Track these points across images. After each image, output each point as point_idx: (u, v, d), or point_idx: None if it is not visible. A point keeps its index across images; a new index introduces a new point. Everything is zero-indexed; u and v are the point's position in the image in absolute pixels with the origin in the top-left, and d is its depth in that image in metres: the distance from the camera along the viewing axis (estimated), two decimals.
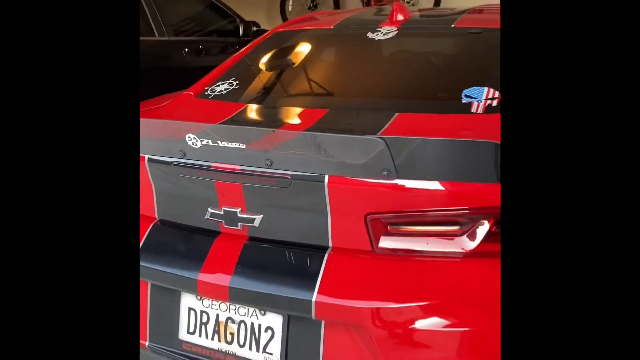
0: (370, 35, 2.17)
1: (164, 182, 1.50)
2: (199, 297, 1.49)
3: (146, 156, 1.48)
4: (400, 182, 1.25)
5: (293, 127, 1.62)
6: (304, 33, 2.41)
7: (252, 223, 1.41)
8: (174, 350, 1.52)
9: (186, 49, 3.99)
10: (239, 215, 1.42)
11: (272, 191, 1.35)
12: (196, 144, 1.36)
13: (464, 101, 1.68)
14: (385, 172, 1.22)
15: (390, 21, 2.29)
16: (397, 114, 1.59)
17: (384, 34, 2.16)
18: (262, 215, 1.40)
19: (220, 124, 1.59)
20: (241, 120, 1.74)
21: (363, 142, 1.23)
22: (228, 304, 1.46)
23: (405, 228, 1.31)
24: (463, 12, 2.40)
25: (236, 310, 1.45)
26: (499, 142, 1.16)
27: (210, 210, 1.45)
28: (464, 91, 1.71)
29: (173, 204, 1.53)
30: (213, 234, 1.47)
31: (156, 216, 1.57)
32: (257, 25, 4.59)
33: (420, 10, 2.50)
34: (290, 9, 6.07)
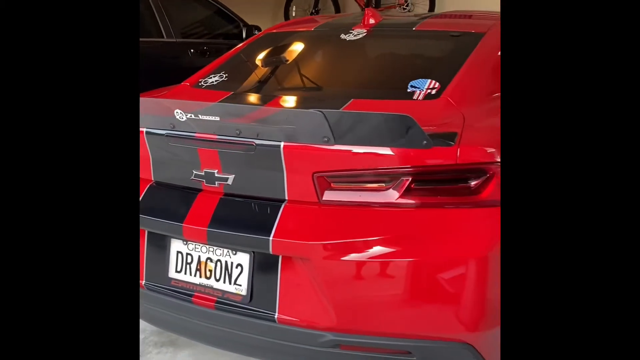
0: (342, 36, 2.55)
1: (158, 150, 1.88)
2: (184, 242, 1.87)
3: (144, 129, 1.86)
4: (337, 147, 1.61)
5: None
6: (288, 34, 2.79)
7: (226, 181, 1.78)
8: (165, 286, 1.89)
9: (191, 50, 4.39)
10: (216, 175, 1.79)
11: (240, 155, 1.72)
12: (182, 118, 1.73)
13: (409, 90, 2.04)
14: (325, 139, 1.58)
15: (363, 24, 2.67)
16: (352, 99, 1.96)
17: (354, 35, 2.54)
18: (234, 175, 1.77)
19: None
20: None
21: (307, 115, 1.59)
22: (207, 246, 1.83)
23: (346, 185, 1.67)
24: (426, 17, 2.76)
25: (213, 251, 1.82)
26: (410, 116, 1.51)
27: (194, 172, 1.83)
28: (410, 82, 2.07)
29: (165, 167, 1.90)
30: (196, 191, 1.85)
31: (152, 178, 1.94)
32: (259, 29, 4.98)
33: (390, 15, 2.86)
34: (294, 14, 6.46)
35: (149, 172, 1.94)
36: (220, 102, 2.09)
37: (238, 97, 2.22)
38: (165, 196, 1.90)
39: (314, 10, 6.35)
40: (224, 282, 1.81)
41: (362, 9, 6.13)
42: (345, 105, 1.94)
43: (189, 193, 1.86)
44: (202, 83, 2.45)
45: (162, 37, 4.19)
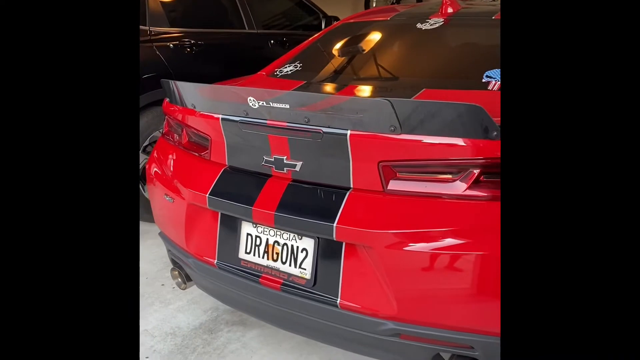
0: (419, 25, 2.53)
1: (232, 136, 1.96)
2: (254, 225, 1.94)
3: (220, 116, 1.95)
4: (404, 136, 1.61)
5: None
6: (364, 24, 2.80)
7: (294, 168, 1.83)
8: (235, 265, 1.97)
9: (272, 41, 4.50)
10: (285, 161, 1.84)
11: (308, 143, 1.76)
12: (255, 105, 1.79)
13: (484, 80, 2.00)
14: (392, 128, 1.59)
15: (440, 13, 2.63)
16: (424, 89, 1.95)
17: (430, 25, 2.51)
18: (301, 162, 1.81)
19: None
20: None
21: (375, 104, 1.60)
22: (275, 229, 1.89)
23: (412, 175, 1.67)
24: None
25: (281, 235, 1.88)
26: (481, 107, 1.49)
27: (264, 157, 1.89)
28: (486, 72, 2.03)
29: (238, 153, 1.98)
30: (266, 176, 1.91)
31: (226, 163, 2.03)
32: (338, 20, 5.01)
33: (470, 4, 2.79)
34: (374, 4, 6.43)
35: (223, 157, 2.03)
36: (296, 90, 2.15)
37: (311, 86, 2.26)
38: (237, 180, 1.98)
39: (394, 2, 6.30)
40: (290, 265, 1.86)
41: None
42: (416, 95, 1.93)
43: (259, 178, 1.92)
44: (277, 72, 2.52)
45: (244, 28, 4.32)
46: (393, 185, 1.69)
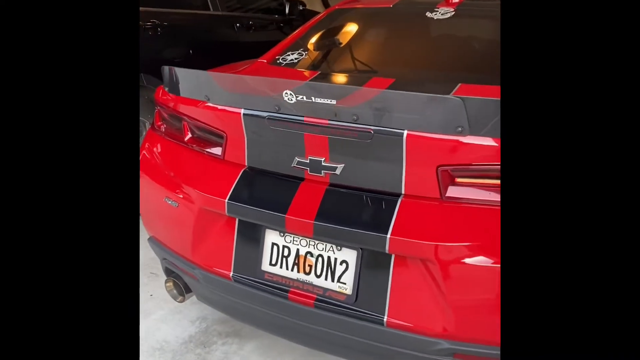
0: (429, 14, 2.38)
1: (256, 134, 1.73)
2: (282, 233, 1.73)
3: (242, 110, 1.71)
4: (469, 138, 1.46)
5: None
6: (366, 11, 2.62)
7: (334, 171, 1.63)
8: (257, 279, 1.75)
9: (237, 25, 4.21)
10: (323, 164, 1.64)
11: (354, 143, 1.57)
12: (291, 99, 1.57)
13: None
14: (459, 129, 1.43)
15: (447, 2, 2.49)
16: (459, 84, 1.81)
17: (442, 14, 2.37)
18: (343, 165, 1.62)
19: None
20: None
21: (441, 101, 1.43)
22: (308, 239, 1.69)
23: (472, 180, 1.52)
24: None
25: (315, 245, 1.68)
26: None
27: (297, 159, 1.68)
28: None
29: (262, 153, 1.75)
30: (298, 179, 1.70)
31: (246, 163, 1.79)
32: (303, 4, 4.79)
33: None
34: None
35: (242, 156, 1.79)
36: (313, 81, 1.93)
37: (327, 78, 2.06)
38: (262, 184, 1.75)
39: None
40: (326, 279, 1.67)
41: None
42: (454, 90, 1.78)
43: (289, 182, 1.71)
44: (280, 60, 2.29)
45: (208, 9, 4.00)
46: (452, 192, 1.54)
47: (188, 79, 1.75)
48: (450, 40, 2.31)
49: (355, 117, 1.53)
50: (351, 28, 2.51)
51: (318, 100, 1.54)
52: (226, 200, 1.74)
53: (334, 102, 1.53)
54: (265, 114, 1.67)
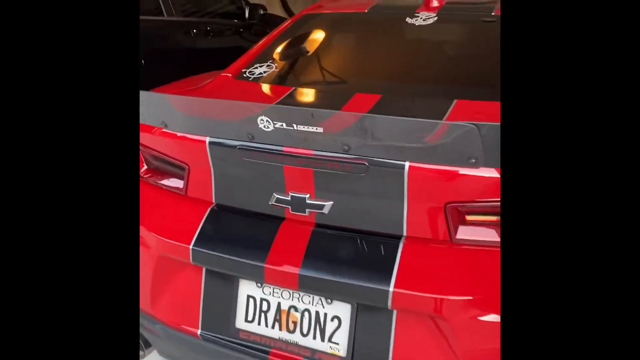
0: (409, 20, 2.14)
1: (225, 166, 1.45)
2: (259, 285, 1.45)
3: (207, 138, 1.42)
4: (482, 170, 1.22)
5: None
6: (339, 16, 2.37)
7: (321, 210, 1.37)
8: (230, 338, 1.47)
9: (194, 31, 3.90)
10: (308, 201, 1.38)
11: (345, 177, 1.32)
12: (268, 127, 1.31)
13: None
14: (473, 160, 1.19)
15: (427, 7, 2.26)
16: (455, 100, 1.57)
17: (423, 20, 2.14)
18: (332, 202, 1.36)
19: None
20: (294, 103, 1.69)
21: (451, 128, 1.19)
22: (292, 292, 1.42)
23: (487, 218, 1.28)
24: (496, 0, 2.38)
25: (300, 298, 1.42)
26: None
27: (275, 195, 1.41)
28: None
29: (233, 188, 1.48)
30: (277, 220, 1.43)
31: (213, 200, 1.51)
32: (264, 8, 4.51)
33: None
34: None
35: (209, 192, 1.50)
36: (287, 98, 1.67)
37: (303, 94, 1.80)
38: (233, 225, 1.47)
39: None
40: (314, 338, 1.40)
41: None
42: (450, 109, 1.55)
43: (266, 222, 1.44)
44: (247, 74, 2.01)
45: (162, 14, 3.68)
46: (464, 233, 1.30)
47: (142, 101, 1.45)
48: (437, 49, 2.08)
49: (346, 147, 1.28)
50: (324, 36, 2.25)
51: (300, 127, 1.28)
52: (190, 247, 1.45)
53: (320, 129, 1.27)
54: (236, 143, 1.39)
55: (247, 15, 4.40)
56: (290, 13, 5.93)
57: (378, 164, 1.27)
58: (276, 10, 5.58)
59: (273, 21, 4.68)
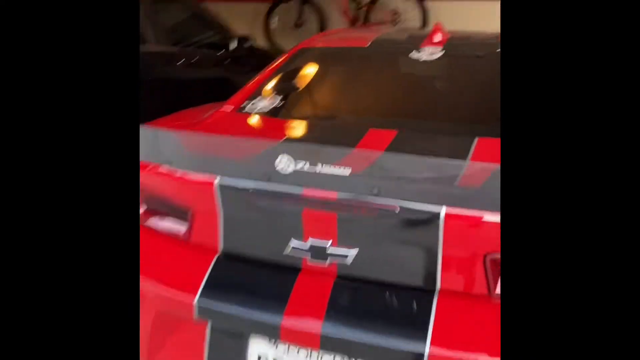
0: (414, 55, 2.06)
1: (236, 209, 1.31)
2: (273, 342, 1.30)
3: (217, 179, 1.29)
4: None
5: (369, 149, 1.46)
6: (340, 50, 2.28)
7: (345, 259, 1.24)
8: None
9: (179, 61, 3.78)
10: (329, 249, 1.24)
11: (373, 223, 1.19)
12: (288, 168, 1.18)
13: None
14: None
15: (430, 41, 2.19)
16: (477, 138, 1.47)
17: (429, 55, 2.06)
18: (356, 250, 1.23)
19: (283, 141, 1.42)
20: (303, 138, 1.58)
21: (495, 172, 1.09)
22: (310, 350, 1.27)
23: None
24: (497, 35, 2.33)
25: (319, 357, 1.27)
26: None
27: (293, 242, 1.27)
28: None
29: (244, 234, 1.33)
30: (293, 270, 1.29)
31: (220, 248, 1.36)
32: (252, 40, 4.43)
33: (453, 32, 2.39)
34: (274, 25, 5.94)
35: (215, 238, 1.36)
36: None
37: (312, 130, 1.68)
38: (243, 276, 1.32)
39: (297, 23, 5.86)
40: None
41: (350, 25, 5.73)
42: (473, 146, 1.44)
43: (281, 273, 1.29)
44: (249, 107, 1.88)
45: (144, 43, 3.55)
46: None
47: (143, 137, 1.31)
48: (448, 84, 1.99)
49: (376, 191, 1.16)
50: (325, 70, 2.15)
51: (326, 169, 1.15)
52: (195, 300, 1.29)
53: (348, 170, 1.15)
54: (249, 185, 1.26)
55: (233, 46, 4.31)
56: (273, 44, 5.87)
57: (410, 210, 1.15)
58: (259, 41, 5.52)
59: (260, 53, 4.61)
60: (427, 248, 1.18)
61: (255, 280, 1.31)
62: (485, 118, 1.73)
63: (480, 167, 1.15)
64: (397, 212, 1.16)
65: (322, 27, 5.77)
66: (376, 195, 1.16)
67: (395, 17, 5.62)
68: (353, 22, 5.78)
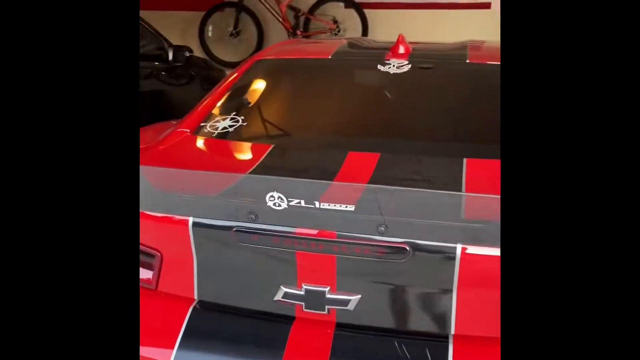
0: (382, 68, 1.94)
1: (214, 252, 1.13)
2: None
3: (191, 219, 1.10)
4: None
5: (354, 178, 1.31)
6: (302, 62, 2.12)
7: (345, 306, 1.09)
8: None
9: None
10: (328, 295, 1.09)
11: (379, 265, 1.05)
12: (280, 205, 1.02)
13: None
14: None
15: (395, 54, 2.08)
16: (465, 159, 1.36)
17: (397, 67, 1.95)
18: (359, 296, 1.08)
19: (251, 172, 1.24)
20: (277, 165, 1.41)
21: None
22: None
23: None
24: (463, 46, 2.26)
25: None
26: None
27: (283, 289, 1.11)
28: None
29: (224, 280, 1.15)
30: (285, 320, 1.12)
31: (195, 296, 1.18)
32: (190, 50, 4.19)
33: (414, 42, 2.30)
34: (210, 34, 5.71)
35: (189, 286, 1.17)
36: (265, 159, 1.38)
37: (287, 153, 1.51)
38: (225, 328, 1.14)
39: (234, 32, 5.65)
40: None
41: (290, 33, 5.60)
42: (464, 171, 1.33)
43: (271, 324, 1.12)
44: (208, 129, 1.69)
45: None
46: None
47: None
48: (422, 99, 1.89)
49: (382, 229, 1.01)
50: (288, 84, 2.00)
51: (325, 205, 1.00)
52: (172, 357, 1.10)
53: (351, 208, 1.00)
54: (231, 224, 1.08)
55: (170, 57, 4.05)
56: (210, 54, 5.63)
57: (423, 248, 1.02)
58: (195, 51, 5.26)
59: (198, 64, 4.38)
60: (441, 289, 1.05)
61: (240, 334, 1.13)
62: (467, 136, 1.63)
63: (483, 199, 1.04)
64: (407, 251, 1.02)
65: (260, 36, 5.60)
66: (382, 234, 1.01)
67: (334, 25, 5.53)
68: (292, 30, 5.64)
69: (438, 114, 1.76)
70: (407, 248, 1.02)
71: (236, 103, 1.87)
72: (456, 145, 1.56)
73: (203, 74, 4.61)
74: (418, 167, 1.41)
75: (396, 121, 1.73)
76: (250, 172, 1.21)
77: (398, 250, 1.03)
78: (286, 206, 1.01)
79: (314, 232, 1.05)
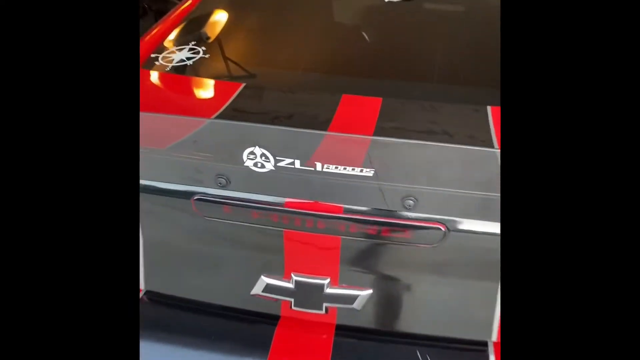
0: None
1: (167, 228, 0.81)
2: None
3: (143, 182, 0.78)
4: None
5: (354, 128, 1.00)
6: None
7: (351, 304, 0.79)
8: None
9: None
10: (327, 290, 0.79)
11: (400, 251, 0.76)
12: (264, 166, 0.70)
13: None
14: None
15: None
16: (488, 107, 1.07)
17: None
18: (369, 291, 0.79)
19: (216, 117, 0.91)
20: (253, 111, 1.07)
21: None
22: None
23: None
24: None
25: None
26: None
27: (265, 280, 0.80)
28: None
29: (181, 266, 0.84)
30: (266, 320, 0.82)
31: (142, 286, 0.86)
32: None
33: None
34: None
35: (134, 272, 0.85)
36: (234, 100, 1.04)
37: (266, 95, 1.18)
38: (181, 329, 0.84)
39: None
40: None
41: None
42: (491, 123, 1.04)
43: (247, 325, 0.82)
44: (161, 61, 1.33)
45: None
46: None
47: None
48: (424, 35, 1.56)
49: (411, 202, 0.71)
50: (260, 9, 1.63)
51: (332, 168, 0.69)
52: None
53: (370, 171, 0.69)
54: (191, 190, 0.76)
55: None
56: None
57: (461, 230, 0.73)
58: None
59: None
60: (482, 285, 0.77)
61: (203, 335, 0.83)
62: (493, 77, 1.32)
63: None
64: (442, 232, 0.73)
65: None
66: (410, 208, 0.71)
67: None
68: None
69: (444, 52, 1.44)
70: (444, 228, 0.73)
71: (196, 30, 1.50)
72: (471, 89, 1.25)
73: (158, 7, 4.14)
74: (433, 114, 1.10)
75: (397, 59, 1.41)
76: (216, 117, 0.88)
77: (430, 230, 0.73)
78: (272, 167, 0.70)
79: (310, 204, 0.74)
